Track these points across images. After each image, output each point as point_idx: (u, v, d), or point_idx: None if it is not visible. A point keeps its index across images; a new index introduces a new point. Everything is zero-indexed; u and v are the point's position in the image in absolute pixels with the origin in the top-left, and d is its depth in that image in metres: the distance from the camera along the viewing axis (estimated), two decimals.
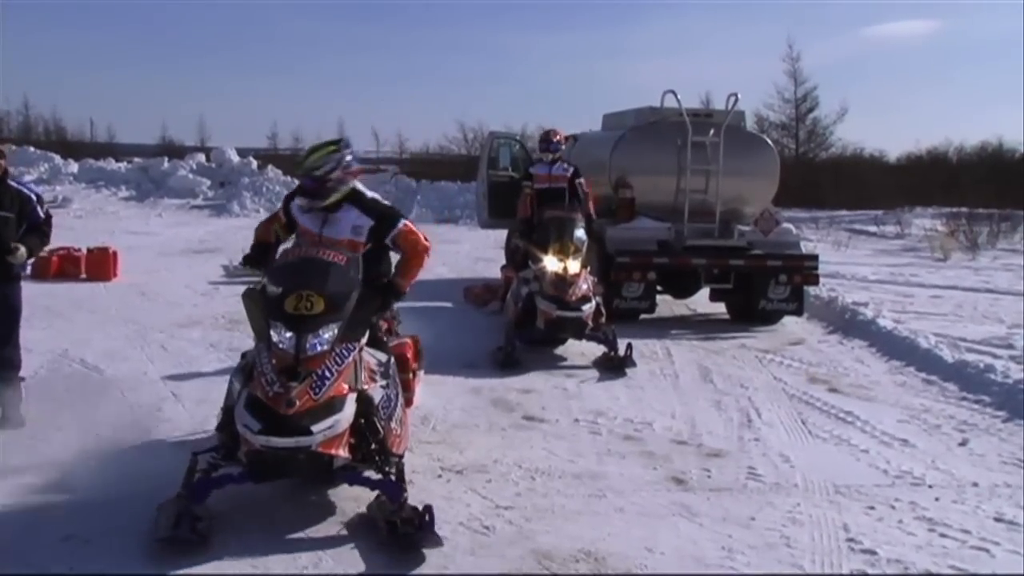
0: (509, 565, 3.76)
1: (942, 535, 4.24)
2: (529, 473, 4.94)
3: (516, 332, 7.69)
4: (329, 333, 4.00)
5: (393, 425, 4.28)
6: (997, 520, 4.44)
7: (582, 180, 9.29)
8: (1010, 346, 8.29)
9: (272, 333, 4.01)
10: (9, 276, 5.38)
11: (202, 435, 5.00)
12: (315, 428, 3.77)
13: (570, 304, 7.50)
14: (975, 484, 4.95)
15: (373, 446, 4.06)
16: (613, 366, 7.40)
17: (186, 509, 3.81)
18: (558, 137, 9.54)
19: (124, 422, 5.59)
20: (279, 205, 4.95)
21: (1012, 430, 5.99)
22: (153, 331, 8.55)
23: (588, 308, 7.59)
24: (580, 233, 8.04)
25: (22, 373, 5.58)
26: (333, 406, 3.87)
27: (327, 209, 4.53)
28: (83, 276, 11.88)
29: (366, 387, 4.16)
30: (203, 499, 3.93)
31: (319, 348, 3.97)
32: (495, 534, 4.10)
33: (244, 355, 4.59)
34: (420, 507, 3.88)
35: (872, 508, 4.55)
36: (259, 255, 4.80)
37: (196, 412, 5.76)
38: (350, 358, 4.06)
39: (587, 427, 5.91)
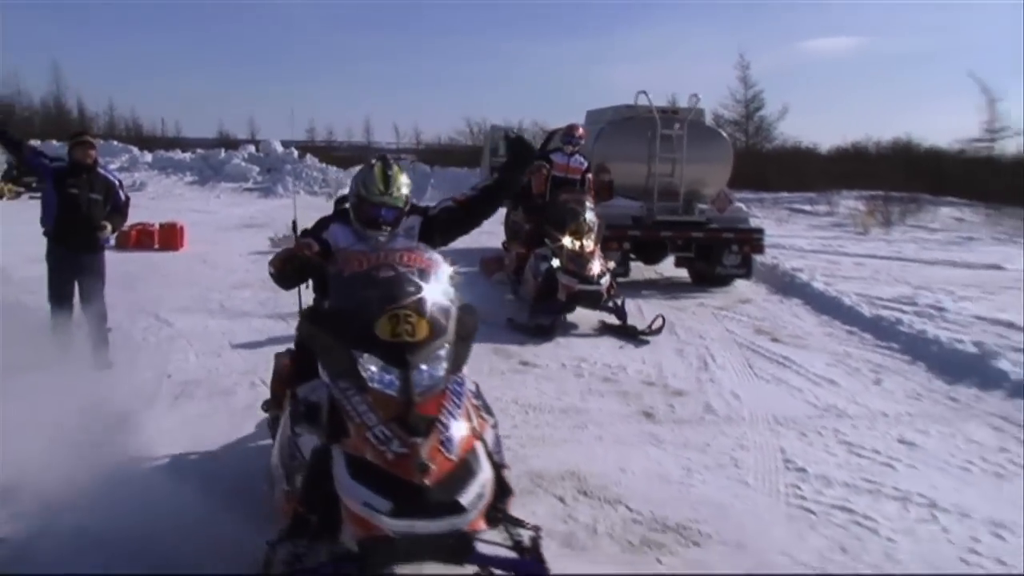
0: None
1: (858, 455, 4.30)
2: (524, 408, 4.96)
3: (538, 305, 7.35)
4: (438, 364, 2.57)
5: (505, 474, 2.69)
6: (900, 442, 4.52)
7: (590, 175, 8.92)
8: (915, 303, 8.29)
9: (360, 368, 2.50)
10: (96, 247, 5.46)
11: (263, 389, 4.99)
12: (464, 501, 2.29)
13: (590, 279, 7.24)
14: (885, 414, 5.00)
15: (499, 510, 2.53)
16: (629, 333, 7.08)
17: None
18: (579, 132, 8.89)
19: (190, 366, 5.64)
20: (298, 237, 3.26)
21: (914, 371, 6.04)
22: (213, 291, 8.53)
23: (604, 282, 7.32)
24: (591, 216, 7.75)
25: (108, 324, 5.59)
26: (470, 466, 2.40)
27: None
28: (156, 247, 11.86)
29: (480, 429, 2.59)
30: None
31: (433, 386, 2.52)
32: None
33: (294, 396, 2.80)
34: None
35: (804, 435, 4.59)
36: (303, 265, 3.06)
37: (249, 358, 5.81)
38: (465, 395, 2.59)
39: (572, 371, 5.92)
